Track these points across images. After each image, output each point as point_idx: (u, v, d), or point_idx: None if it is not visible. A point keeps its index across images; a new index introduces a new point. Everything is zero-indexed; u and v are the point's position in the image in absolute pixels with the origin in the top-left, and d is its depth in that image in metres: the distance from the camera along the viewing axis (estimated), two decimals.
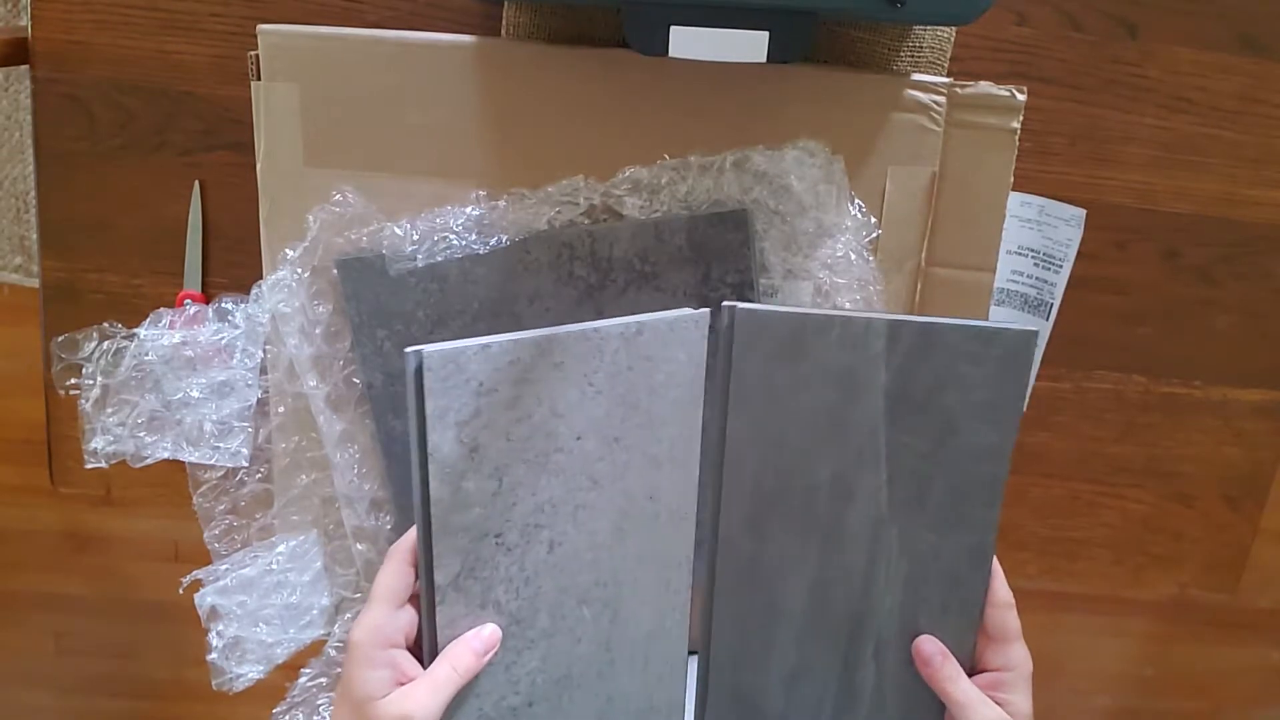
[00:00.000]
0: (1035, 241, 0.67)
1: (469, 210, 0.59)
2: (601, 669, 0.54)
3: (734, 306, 0.51)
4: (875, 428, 0.52)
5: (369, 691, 0.48)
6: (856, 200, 0.60)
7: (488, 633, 0.51)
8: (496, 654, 0.51)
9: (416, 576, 0.50)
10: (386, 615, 0.50)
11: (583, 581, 0.52)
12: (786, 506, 0.53)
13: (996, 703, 0.51)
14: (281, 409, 0.62)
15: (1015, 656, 0.53)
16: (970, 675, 0.53)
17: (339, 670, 0.63)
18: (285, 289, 0.60)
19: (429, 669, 0.49)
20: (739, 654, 0.55)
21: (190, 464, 0.63)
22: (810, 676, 0.55)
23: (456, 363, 0.47)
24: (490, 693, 0.51)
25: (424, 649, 0.50)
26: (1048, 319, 0.68)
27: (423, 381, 0.47)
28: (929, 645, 0.53)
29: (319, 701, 0.62)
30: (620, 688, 0.54)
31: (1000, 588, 0.54)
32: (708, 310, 0.53)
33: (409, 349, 0.47)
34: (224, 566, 0.63)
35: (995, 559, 0.53)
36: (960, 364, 0.51)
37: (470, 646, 0.50)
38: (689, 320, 0.52)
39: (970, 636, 0.53)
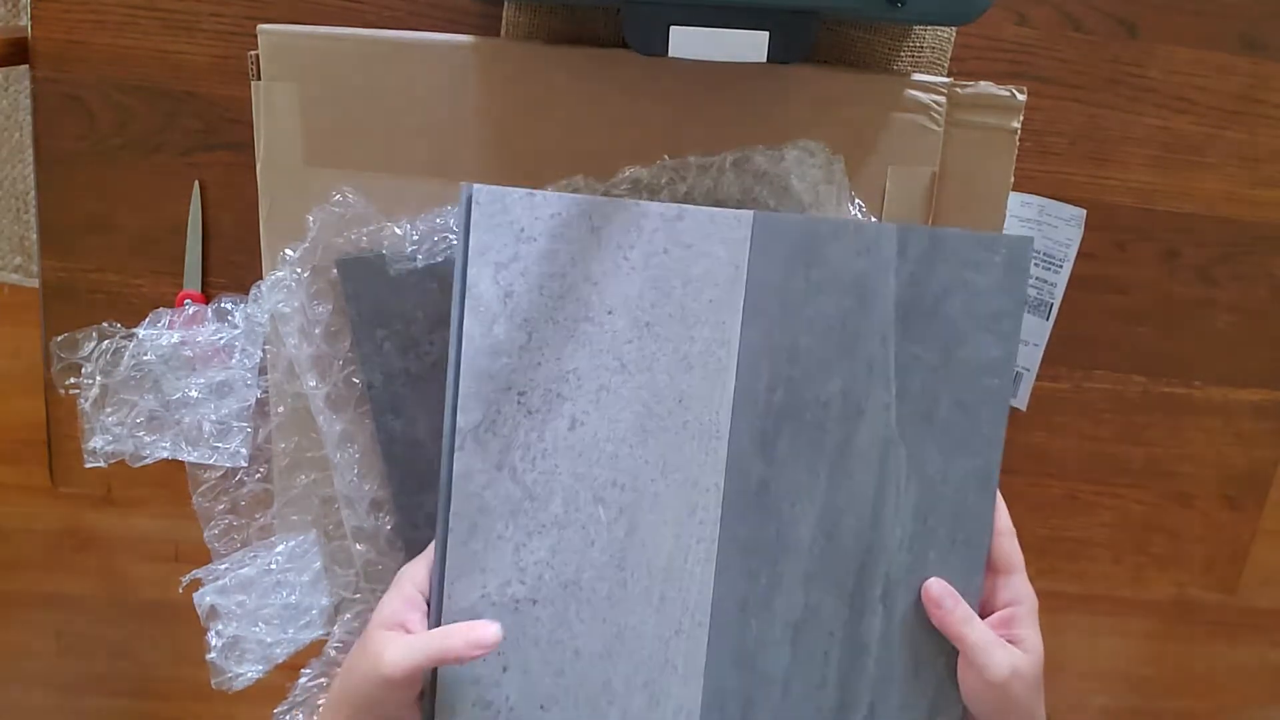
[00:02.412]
0: (1035, 241, 0.67)
1: None
2: (612, 589, 0.53)
3: (752, 213, 0.53)
4: (886, 337, 0.53)
5: (380, 615, 0.51)
6: (857, 200, 0.60)
7: (487, 632, 0.50)
8: (509, 641, 0.52)
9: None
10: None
11: (600, 476, 0.53)
12: (798, 424, 0.53)
13: (1010, 640, 0.51)
14: (281, 409, 0.62)
15: (1021, 589, 0.53)
16: (980, 614, 0.53)
17: (340, 670, 0.63)
18: (285, 289, 0.60)
19: (426, 632, 0.51)
20: (744, 597, 0.54)
21: (189, 464, 0.63)
22: (816, 625, 0.54)
23: (503, 202, 0.51)
24: (495, 570, 0.52)
25: (435, 544, 0.53)
26: (1048, 319, 0.68)
27: (470, 215, 0.51)
28: (938, 587, 0.53)
29: (319, 702, 0.62)
30: (631, 623, 0.53)
31: (1002, 516, 0.54)
32: (752, 212, 0.53)
33: (464, 184, 0.52)
34: (223, 566, 0.63)
35: (997, 489, 0.54)
36: (966, 271, 0.52)
37: (465, 635, 0.50)
38: (731, 217, 0.53)
39: (978, 574, 0.53)
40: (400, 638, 0.50)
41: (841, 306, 0.53)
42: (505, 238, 0.51)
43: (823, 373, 0.53)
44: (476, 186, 0.51)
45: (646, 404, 0.53)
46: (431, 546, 0.54)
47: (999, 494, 0.54)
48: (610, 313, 0.52)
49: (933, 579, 0.53)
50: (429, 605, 0.52)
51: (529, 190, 0.52)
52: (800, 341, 0.53)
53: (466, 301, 0.51)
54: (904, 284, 0.52)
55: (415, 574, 0.53)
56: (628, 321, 0.53)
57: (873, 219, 0.61)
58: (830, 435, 0.53)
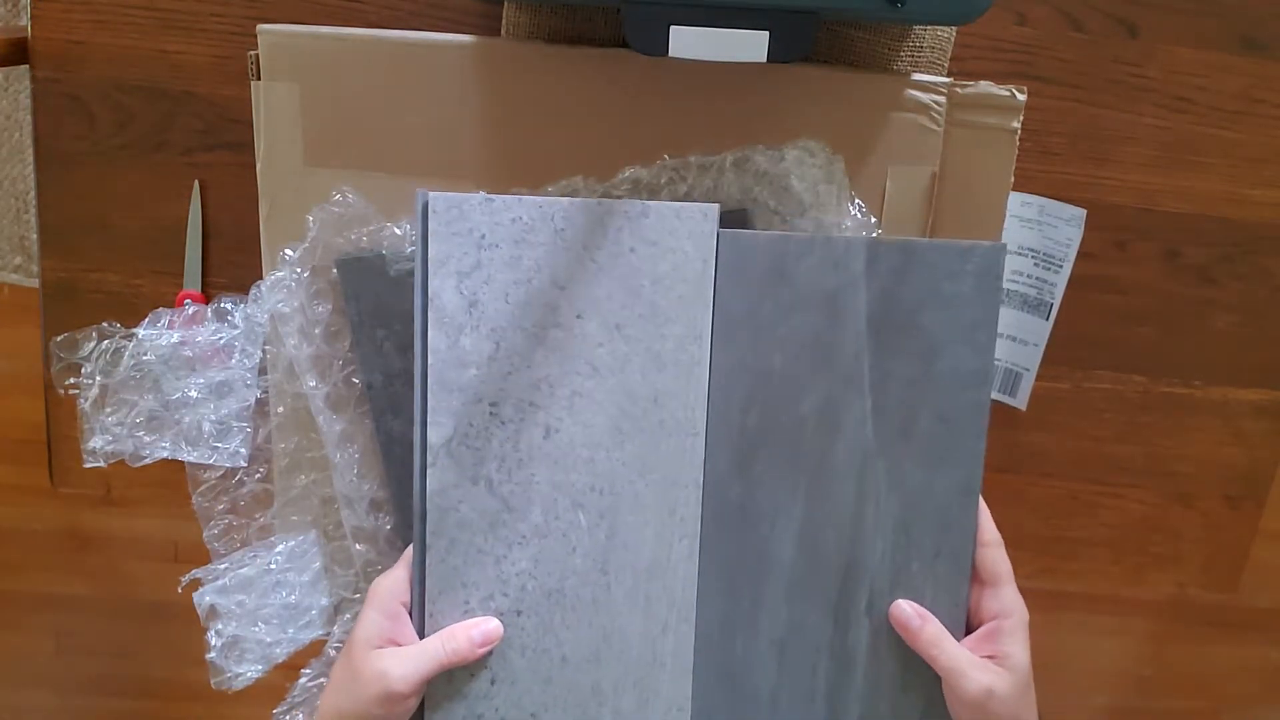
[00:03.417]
0: (1035, 241, 0.67)
1: None
2: (597, 594, 0.53)
3: (718, 206, 0.53)
4: (860, 352, 0.52)
5: (366, 635, 0.50)
6: (857, 200, 0.60)
7: (489, 626, 0.51)
8: (495, 654, 0.52)
9: None
10: (410, 576, 0.52)
11: (578, 482, 0.52)
12: (774, 443, 0.53)
13: (992, 656, 0.50)
14: (281, 409, 0.62)
15: (1009, 601, 0.51)
16: (967, 627, 0.52)
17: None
18: (285, 289, 0.60)
19: (423, 640, 0.51)
20: (727, 616, 0.54)
21: (189, 464, 0.63)
22: (802, 640, 0.54)
23: (460, 209, 0.50)
24: (477, 584, 0.52)
25: (414, 554, 0.52)
26: (1048, 319, 0.68)
27: (427, 224, 0.50)
28: (903, 610, 0.52)
29: (319, 702, 0.62)
30: (618, 625, 0.53)
31: (988, 526, 0.53)
32: (717, 205, 0.53)
33: (419, 190, 0.50)
34: (223, 566, 0.63)
35: (981, 499, 0.53)
36: (938, 282, 0.52)
37: (468, 633, 0.50)
38: (696, 212, 0.52)
39: (963, 585, 0.53)
40: (399, 652, 0.49)
41: (814, 323, 0.52)
42: (466, 246, 0.50)
43: (798, 391, 0.52)
44: (433, 194, 0.50)
45: (621, 406, 0.52)
46: (403, 557, 0.53)
47: (984, 505, 0.53)
48: (579, 317, 0.52)
49: (899, 601, 0.52)
50: (411, 619, 0.52)
51: (487, 195, 0.50)
52: (774, 361, 0.52)
53: (430, 314, 0.50)
54: (875, 298, 0.52)
55: (392, 587, 0.52)
56: (597, 324, 0.52)
57: (872, 219, 0.61)
58: (808, 452, 0.53)
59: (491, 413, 0.51)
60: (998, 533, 0.53)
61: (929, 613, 0.52)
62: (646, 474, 0.53)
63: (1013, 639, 0.50)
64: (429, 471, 0.51)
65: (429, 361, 0.50)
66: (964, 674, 0.49)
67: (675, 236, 0.52)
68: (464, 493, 0.51)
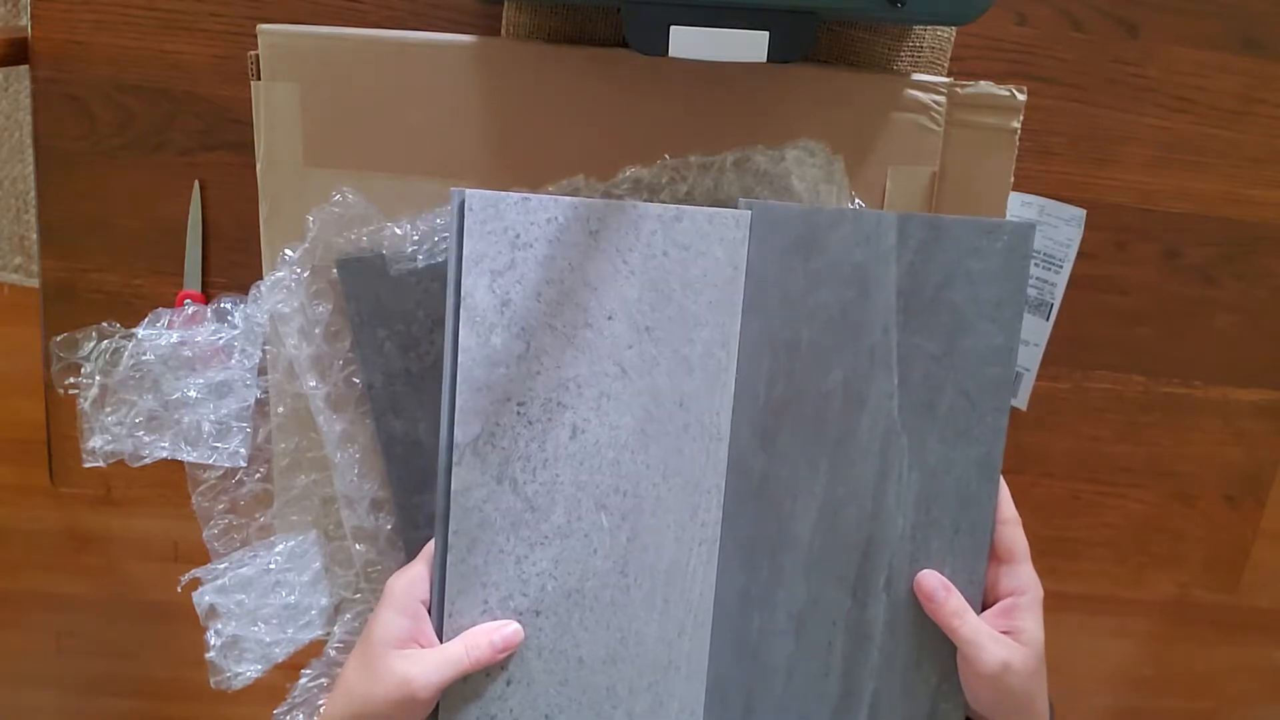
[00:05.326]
0: (1035, 241, 0.67)
1: None
2: (615, 595, 0.53)
3: (749, 202, 0.53)
4: (888, 327, 0.52)
5: (385, 634, 0.50)
6: (857, 200, 0.60)
7: (510, 630, 0.51)
8: (512, 655, 0.51)
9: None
10: (428, 574, 0.52)
11: (602, 483, 0.52)
12: (798, 415, 0.53)
13: (1008, 631, 0.51)
14: (281, 409, 0.62)
15: (1025, 578, 0.52)
16: (984, 602, 0.53)
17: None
18: (284, 289, 0.60)
19: (443, 645, 0.51)
20: (746, 590, 0.54)
21: (189, 464, 0.63)
22: (819, 616, 0.54)
23: (496, 208, 0.50)
24: (497, 584, 0.52)
25: (435, 554, 0.52)
26: (1048, 319, 0.68)
27: (463, 221, 0.49)
28: (930, 579, 0.53)
29: (319, 702, 0.62)
30: (635, 627, 0.53)
31: (1006, 504, 0.53)
32: (749, 212, 0.53)
33: (454, 188, 0.50)
34: (222, 565, 0.63)
35: (1001, 477, 0.53)
36: (967, 259, 0.52)
37: (489, 638, 0.50)
38: (729, 218, 0.52)
39: (981, 561, 0.53)
40: (422, 656, 0.49)
41: (842, 297, 0.52)
42: (500, 245, 0.50)
43: (824, 364, 0.53)
44: (469, 192, 0.50)
45: (647, 409, 0.52)
46: (421, 554, 0.53)
47: (1003, 482, 0.53)
48: (610, 318, 0.52)
49: (926, 571, 0.53)
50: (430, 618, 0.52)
51: (523, 195, 0.50)
52: (801, 334, 0.53)
53: (462, 312, 0.50)
54: (905, 272, 0.52)
55: (410, 585, 0.51)
56: (627, 326, 0.52)
57: None
58: (831, 427, 0.53)
59: (519, 412, 0.51)
60: (1015, 511, 0.54)
61: (953, 585, 0.53)
62: (669, 477, 0.53)
63: (1028, 615, 0.51)
64: (454, 470, 0.51)
65: (459, 361, 0.50)
66: (983, 647, 0.50)
67: (707, 241, 0.52)
68: (488, 492, 0.51)
